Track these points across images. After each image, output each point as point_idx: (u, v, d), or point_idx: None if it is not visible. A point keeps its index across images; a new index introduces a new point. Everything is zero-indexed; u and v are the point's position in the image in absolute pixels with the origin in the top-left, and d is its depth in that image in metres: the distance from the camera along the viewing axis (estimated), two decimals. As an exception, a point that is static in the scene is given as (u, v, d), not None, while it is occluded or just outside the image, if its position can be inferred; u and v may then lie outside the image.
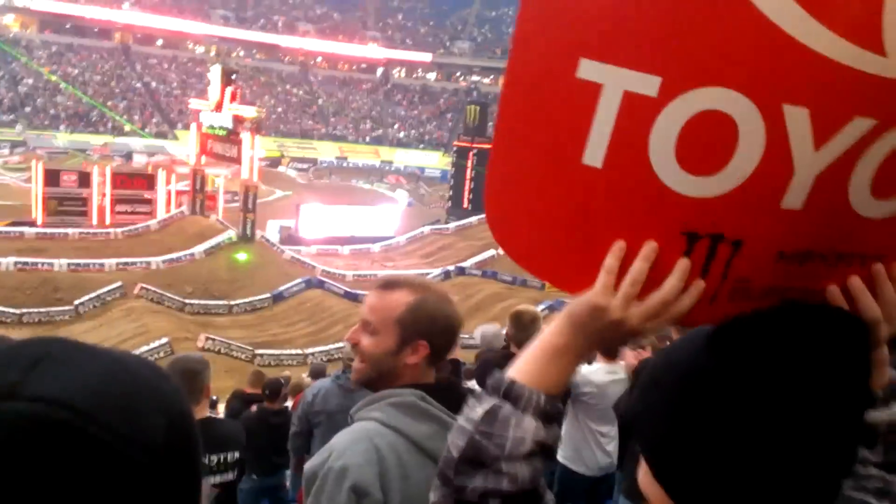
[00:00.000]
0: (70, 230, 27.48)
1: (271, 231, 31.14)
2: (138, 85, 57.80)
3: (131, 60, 59.31)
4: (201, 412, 3.43)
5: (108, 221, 28.97)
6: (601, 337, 0.92)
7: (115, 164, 38.81)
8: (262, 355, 22.03)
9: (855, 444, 0.86)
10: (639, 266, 0.87)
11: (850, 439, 0.84)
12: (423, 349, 1.75)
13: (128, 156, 46.95)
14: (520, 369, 0.94)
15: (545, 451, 0.91)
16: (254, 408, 6.83)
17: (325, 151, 57.49)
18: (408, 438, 1.69)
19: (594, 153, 0.83)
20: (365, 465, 1.63)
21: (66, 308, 22.74)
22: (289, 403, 7.05)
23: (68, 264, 24.79)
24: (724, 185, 0.82)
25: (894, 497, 0.95)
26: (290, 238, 31.46)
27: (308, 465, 1.71)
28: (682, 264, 0.87)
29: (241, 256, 27.30)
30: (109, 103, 53.68)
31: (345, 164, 56.09)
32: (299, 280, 26.86)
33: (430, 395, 1.72)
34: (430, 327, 1.76)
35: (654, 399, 0.89)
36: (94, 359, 0.59)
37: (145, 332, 21.95)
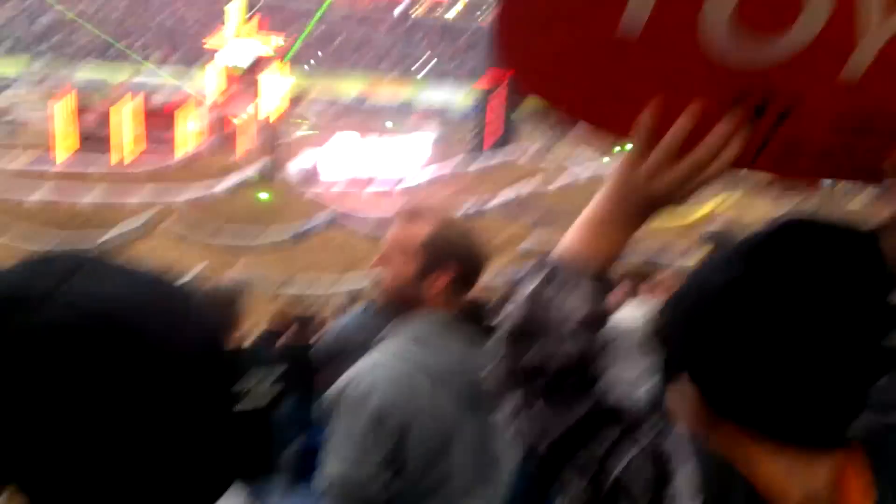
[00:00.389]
0: (93, 167, 27.46)
1: (293, 169, 30.94)
2: (157, 21, 57.06)
3: (149, -4, 58.45)
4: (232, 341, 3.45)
5: (130, 159, 28.96)
6: (639, 203, 0.92)
7: (136, 100, 38.58)
8: (286, 292, 22.16)
9: (879, 358, 0.85)
10: (674, 133, 0.85)
11: (872, 354, 0.84)
12: (445, 277, 1.79)
13: (148, 93, 46.63)
14: (567, 244, 0.96)
15: (595, 323, 0.93)
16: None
17: (348, 88, 56.82)
18: (428, 365, 1.74)
19: (634, 17, 0.78)
20: (384, 390, 1.69)
21: (92, 244, 22.90)
22: (315, 338, 7.01)
23: (93, 201, 24.89)
24: (781, 51, 0.78)
25: None
26: (312, 177, 31.27)
27: (331, 391, 1.75)
28: (720, 130, 0.84)
29: (263, 195, 27.24)
30: (128, 40, 53.16)
31: (367, 102, 55.44)
32: (321, 218, 26.81)
33: (453, 323, 1.76)
34: (451, 255, 1.79)
35: (685, 310, 0.92)
36: (126, 271, 0.61)
37: (171, 269, 22.08)
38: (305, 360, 6.04)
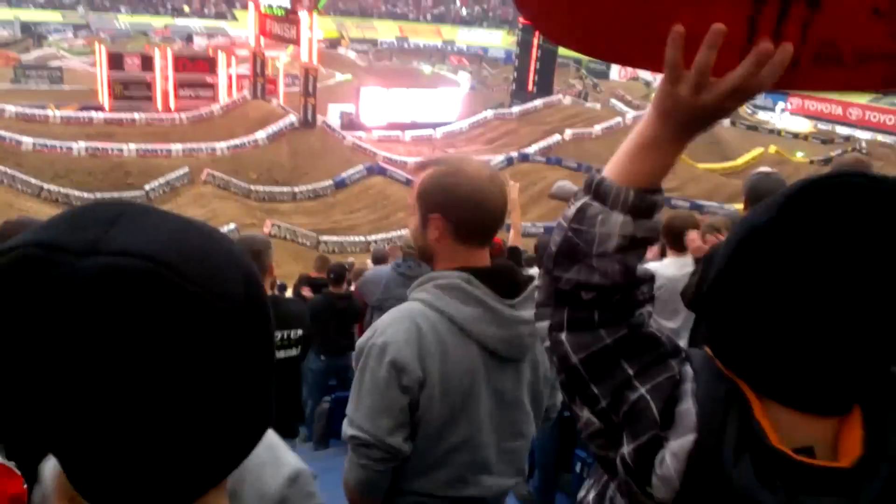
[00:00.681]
0: (137, 115, 27.77)
1: (332, 116, 30.79)
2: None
3: (187, -63, 57.79)
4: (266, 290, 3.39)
5: (172, 106, 29.13)
6: (687, 121, 0.90)
7: (177, 46, 38.65)
8: (326, 242, 22.37)
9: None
10: (705, 55, 0.83)
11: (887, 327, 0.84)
12: (438, 223, 1.75)
13: (188, 38, 46.69)
14: (611, 167, 0.96)
15: (638, 244, 0.94)
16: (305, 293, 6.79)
17: (385, 31, 56.00)
18: (450, 319, 1.73)
19: None
20: (404, 343, 1.69)
21: (138, 193, 23.28)
22: (353, 287, 7.17)
23: (137, 149, 25.19)
24: None
25: None
26: (351, 123, 31.07)
27: (357, 343, 1.78)
28: (762, 48, 0.81)
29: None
30: (168, -17, 52.93)
31: (405, 45, 54.61)
32: (361, 167, 26.77)
33: (478, 277, 1.73)
34: (443, 201, 1.74)
35: (717, 258, 0.94)
36: (168, 218, 0.61)
37: (213, 217, 22.40)
38: (342, 311, 6.24)
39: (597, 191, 0.94)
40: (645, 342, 0.94)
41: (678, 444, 0.86)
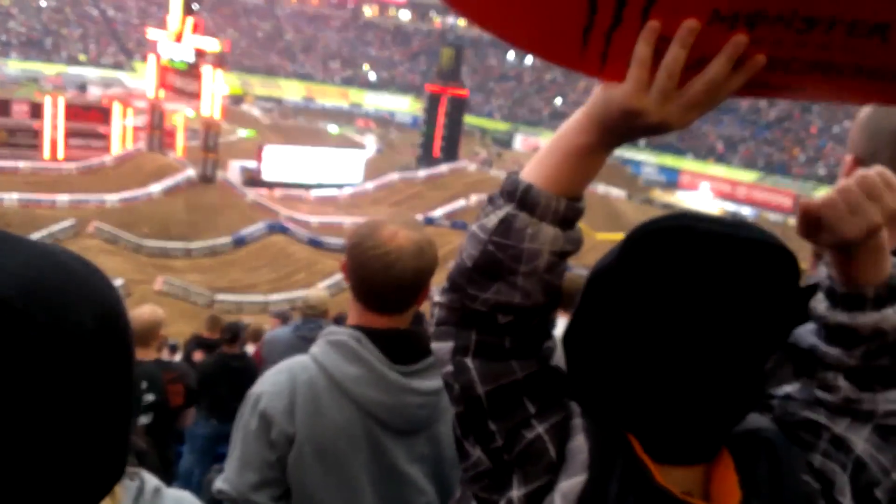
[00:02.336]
0: (21, 163, 26.51)
1: (233, 172, 30.12)
2: (95, 12, 55.30)
3: (88, -14, 56.51)
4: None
5: (60, 156, 27.95)
6: (634, 131, 0.82)
7: (69, 95, 37.13)
8: (222, 301, 21.50)
9: (754, 374, 0.86)
10: (675, 54, 0.75)
11: (742, 370, 0.84)
12: (348, 281, 1.75)
13: (82, 87, 44.93)
14: (537, 173, 0.87)
15: (564, 258, 0.88)
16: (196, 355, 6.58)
17: (292, 91, 55.90)
18: (331, 377, 1.67)
19: None
20: (276, 395, 1.66)
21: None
22: (249, 349, 6.86)
23: (19, 199, 23.93)
24: None
25: (858, 417, 0.91)
26: (252, 180, 30.47)
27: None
28: (736, 39, 0.74)
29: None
30: (64, 30, 51.33)
31: (312, 106, 54.62)
32: (262, 224, 26.12)
33: (372, 338, 1.66)
34: (350, 260, 1.72)
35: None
36: (20, 249, 0.60)
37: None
38: (238, 372, 5.75)
39: (523, 199, 0.84)
40: (550, 378, 0.90)
41: (569, 485, 0.82)
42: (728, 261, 0.80)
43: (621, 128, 0.82)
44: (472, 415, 0.89)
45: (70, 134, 28.21)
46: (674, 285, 0.80)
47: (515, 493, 0.86)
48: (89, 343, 0.56)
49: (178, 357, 8.91)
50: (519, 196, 0.85)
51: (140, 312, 3.64)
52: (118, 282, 19.92)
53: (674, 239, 0.81)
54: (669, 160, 45.70)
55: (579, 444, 0.84)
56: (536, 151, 0.91)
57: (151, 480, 1.12)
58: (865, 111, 1.27)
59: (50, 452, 0.53)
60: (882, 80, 0.79)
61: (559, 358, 0.94)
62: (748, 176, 43.46)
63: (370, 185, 33.71)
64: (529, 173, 0.87)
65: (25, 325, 0.52)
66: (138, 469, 1.14)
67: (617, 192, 38.35)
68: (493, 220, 0.86)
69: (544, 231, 0.84)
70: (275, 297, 21.80)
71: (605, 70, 0.81)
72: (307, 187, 31.75)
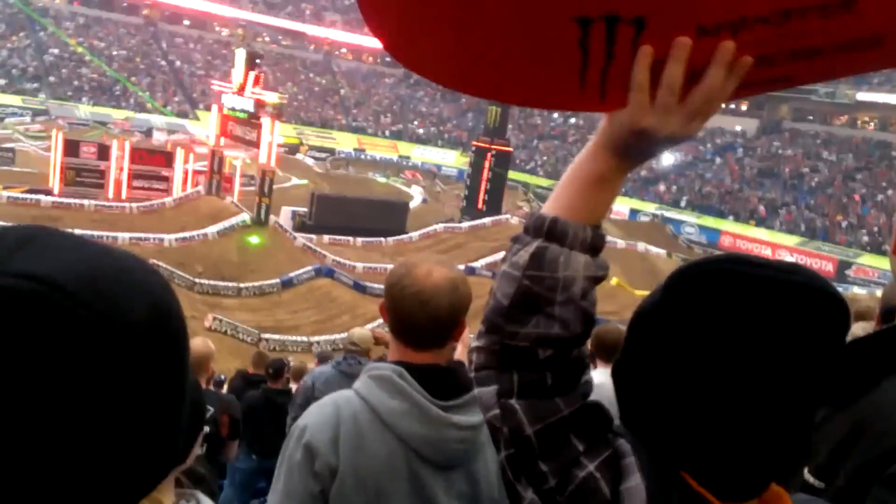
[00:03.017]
0: (86, 201, 27.53)
1: (285, 217, 31.08)
2: (163, 63, 57.91)
3: (157, 38, 59.42)
4: None
5: (124, 196, 29.03)
6: (645, 150, 0.87)
7: (135, 139, 38.95)
8: (267, 339, 22.05)
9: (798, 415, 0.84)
10: (674, 71, 0.79)
11: (791, 410, 0.83)
12: (386, 319, 1.79)
13: (148, 132, 47.11)
14: (559, 205, 0.90)
15: (595, 284, 0.89)
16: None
17: (344, 142, 57.48)
18: (373, 410, 1.69)
19: None
20: (320, 427, 1.68)
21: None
22: (293, 386, 7.04)
23: (82, 235, 24.70)
24: None
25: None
26: (303, 225, 31.42)
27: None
28: (725, 46, 0.78)
29: (254, 240, 27.36)
30: (133, 79, 53.82)
31: (362, 157, 56.07)
32: (309, 267, 26.84)
33: (414, 374, 1.69)
34: (388, 299, 1.77)
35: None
36: (79, 244, 0.60)
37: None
38: (281, 407, 5.86)
39: (551, 231, 0.87)
40: (596, 414, 0.89)
41: None
42: (769, 302, 0.80)
43: (632, 148, 0.86)
44: (522, 456, 0.88)
45: (134, 176, 29.36)
46: (715, 325, 0.80)
47: None
48: (141, 334, 0.57)
49: (224, 391, 9.35)
50: (547, 229, 0.87)
51: (193, 344, 3.65)
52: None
53: (718, 279, 0.82)
54: (711, 221, 45.60)
55: (636, 483, 0.83)
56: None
57: (206, 502, 1.25)
58: None
59: (94, 440, 0.54)
60: (858, 50, 0.82)
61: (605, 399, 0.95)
62: (790, 240, 42.99)
63: (415, 234, 34.42)
64: (551, 207, 0.90)
65: (78, 311, 0.53)
66: (195, 491, 1.27)
67: (657, 251, 38.35)
68: (523, 255, 0.87)
69: (576, 258, 0.86)
70: (318, 338, 22.31)
71: (605, 103, 0.85)
72: (354, 234, 32.56)
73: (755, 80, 0.84)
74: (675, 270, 0.88)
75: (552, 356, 0.87)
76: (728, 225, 45.10)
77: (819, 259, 41.19)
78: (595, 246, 0.88)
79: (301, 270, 26.53)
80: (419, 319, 1.71)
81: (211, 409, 4.12)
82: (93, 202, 27.70)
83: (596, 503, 0.83)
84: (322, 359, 8.60)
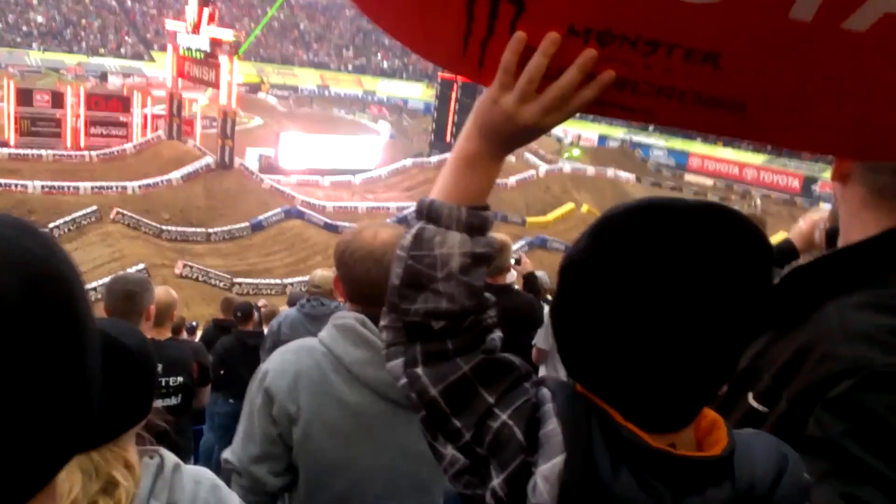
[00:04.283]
0: (44, 151, 26.91)
1: (250, 159, 30.60)
2: (113, 3, 55.76)
3: (105, -23, 57.04)
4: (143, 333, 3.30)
5: (82, 144, 28.37)
6: (507, 135, 0.92)
7: (90, 84, 37.75)
8: (241, 284, 22.02)
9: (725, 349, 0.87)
10: (537, 61, 0.84)
11: (718, 343, 0.85)
12: (339, 287, 1.85)
13: (102, 77, 45.66)
14: (439, 188, 0.96)
15: (479, 262, 0.93)
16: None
17: (307, 79, 56.29)
18: (339, 359, 1.71)
19: None
20: (280, 374, 1.71)
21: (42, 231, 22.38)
22: (266, 329, 6.90)
23: (42, 186, 24.37)
24: None
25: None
26: (269, 167, 30.96)
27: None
28: (587, 53, 0.83)
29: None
30: (84, 21, 51.87)
31: (326, 93, 55.01)
32: (279, 210, 26.65)
33: (376, 322, 1.71)
34: (339, 267, 1.80)
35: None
36: None
37: (121, 257, 21.77)
38: (254, 349, 5.85)
39: (429, 213, 0.93)
40: (501, 367, 0.93)
41: (548, 467, 0.83)
42: (687, 230, 0.83)
43: (496, 132, 0.92)
44: (434, 417, 0.93)
45: (91, 123, 28.66)
46: (641, 262, 0.83)
47: (496, 481, 0.87)
48: (16, 312, 0.52)
49: (197, 338, 9.12)
50: (426, 212, 0.93)
51: (156, 293, 3.65)
52: (139, 266, 20.58)
53: (641, 219, 0.85)
54: (678, 144, 45.77)
55: (552, 427, 0.85)
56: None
57: (171, 458, 1.25)
58: None
59: None
60: (719, 109, 0.88)
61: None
62: (757, 158, 43.42)
63: (384, 171, 34.14)
64: (435, 190, 0.96)
65: None
66: (157, 447, 1.28)
67: (626, 176, 38.56)
68: (408, 238, 0.93)
69: (451, 237, 0.91)
70: (292, 280, 22.31)
71: (481, 75, 0.91)
72: (322, 174, 32.22)
73: (617, 101, 0.89)
74: (598, 218, 0.90)
75: (445, 326, 0.92)
76: (696, 146, 45.41)
77: (785, 176, 41.83)
78: (471, 225, 0.92)
79: (270, 213, 26.33)
80: (374, 278, 1.72)
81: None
82: (51, 152, 27.10)
83: (512, 448, 0.87)
84: (292, 300, 8.60)
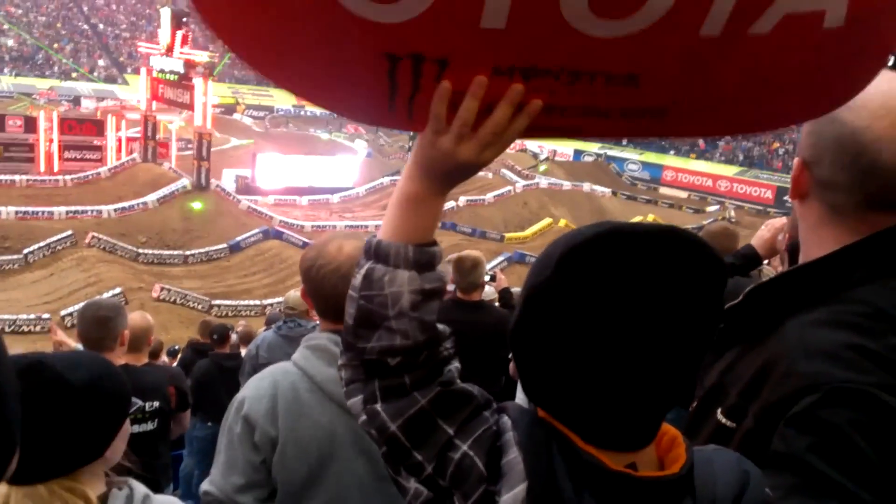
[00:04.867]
0: (17, 177, 26.60)
1: (227, 180, 30.44)
2: (85, 27, 55.46)
3: (77, 1, 56.73)
4: (117, 359, 3.30)
5: (56, 168, 28.10)
6: (447, 173, 0.94)
7: (63, 108, 37.45)
8: (219, 306, 21.84)
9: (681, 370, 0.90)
10: (468, 104, 0.88)
11: (675, 363, 0.88)
12: (308, 301, 1.85)
13: (75, 100, 45.22)
14: (384, 228, 0.97)
15: (429, 297, 0.94)
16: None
17: (282, 99, 56.14)
18: (312, 379, 1.72)
19: None
20: (258, 399, 1.71)
21: (15, 257, 22.12)
22: (243, 351, 6.98)
23: (16, 212, 24.08)
24: (411, 10, 0.79)
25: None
26: (246, 188, 30.83)
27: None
28: (514, 88, 0.87)
29: (196, 205, 26.81)
30: (56, 45, 51.51)
31: (302, 113, 54.90)
32: (256, 230, 26.52)
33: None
34: (312, 289, 1.80)
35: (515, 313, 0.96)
36: None
37: (98, 281, 21.52)
38: (231, 372, 5.78)
39: (377, 253, 0.94)
40: (459, 398, 0.94)
41: (511, 496, 0.84)
42: (645, 252, 0.85)
43: (437, 170, 0.94)
44: (395, 451, 0.93)
45: (64, 147, 28.40)
46: (609, 290, 0.85)
47: None
48: None
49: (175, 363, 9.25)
50: (373, 252, 0.94)
51: (131, 318, 3.69)
52: (116, 290, 20.33)
53: (603, 247, 0.86)
54: (653, 157, 46.27)
55: (514, 456, 0.86)
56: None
57: (140, 489, 1.27)
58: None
59: None
60: (643, 118, 0.95)
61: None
62: (729, 170, 43.98)
63: (361, 190, 34.12)
64: (381, 230, 0.98)
65: None
66: (126, 478, 1.29)
67: (602, 190, 38.87)
68: (358, 278, 0.95)
69: (400, 275, 0.92)
70: (271, 300, 22.13)
71: (412, 124, 0.93)
72: (300, 193, 32.10)
73: (547, 125, 0.92)
74: (559, 247, 0.91)
75: (402, 362, 0.93)
76: (669, 160, 45.91)
77: (758, 187, 42.38)
78: (419, 262, 0.94)
79: (248, 234, 26.21)
80: (342, 293, 1.72)
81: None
82: (24, 177, 26.79)
83: (473, 478, 0.88)
84: (270, 322, 8.56)
